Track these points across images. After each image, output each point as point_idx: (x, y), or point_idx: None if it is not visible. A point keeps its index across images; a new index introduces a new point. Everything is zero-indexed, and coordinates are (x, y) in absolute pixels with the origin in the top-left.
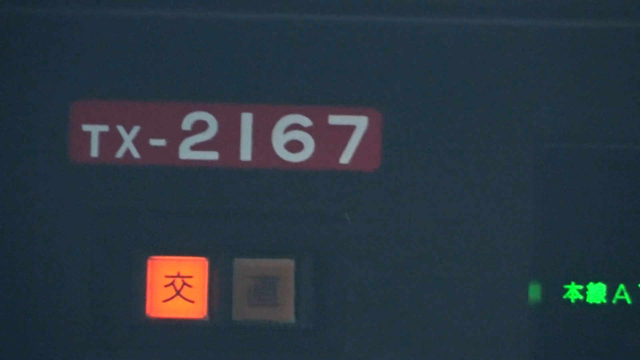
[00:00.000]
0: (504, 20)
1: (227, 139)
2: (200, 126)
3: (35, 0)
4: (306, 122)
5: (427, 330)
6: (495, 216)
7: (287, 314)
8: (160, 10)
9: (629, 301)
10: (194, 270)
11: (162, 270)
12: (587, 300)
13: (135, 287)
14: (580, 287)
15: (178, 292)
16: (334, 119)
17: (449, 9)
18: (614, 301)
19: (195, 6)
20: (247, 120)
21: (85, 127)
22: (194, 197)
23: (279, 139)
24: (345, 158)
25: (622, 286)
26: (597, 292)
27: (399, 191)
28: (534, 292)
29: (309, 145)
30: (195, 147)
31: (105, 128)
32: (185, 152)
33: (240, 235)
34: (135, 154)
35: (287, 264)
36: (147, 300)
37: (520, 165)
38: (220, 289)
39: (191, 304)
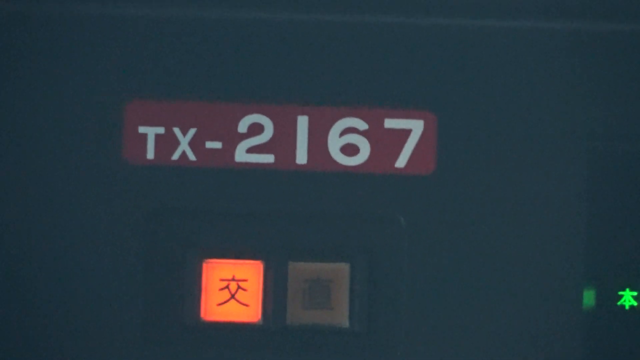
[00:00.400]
0: (557, 23)
1: (283, 142)
2: (257, 129)
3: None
4: (362, 125)
5: (481, 335)
6: (549, 220)
7: (341, 317)
8: (218, 10)
9: None
10: (249, 273)
11: (217, 273)
12: None
13: (189, 289)
14: (635, 293)
15: (233, 296)
16: (390, 123)
17: (502, 12)
18: None
19: (253, 7)
20: (303, 123)
21: (142, 129)
22: (250, 200)
23: (334, 142)
24: (401, 162)
25: None
26: None
27: (454, 194)
28: (588, 298)
29: (365, 148)
30: (251, 150)
31: (161, 130)
32: (241, 154)
33: (295, 239)
34: (191, 156)
35: (342, 268)
36: (202, 303)
37: (575, 167)
38: (274, 292)
39: (245, 307)
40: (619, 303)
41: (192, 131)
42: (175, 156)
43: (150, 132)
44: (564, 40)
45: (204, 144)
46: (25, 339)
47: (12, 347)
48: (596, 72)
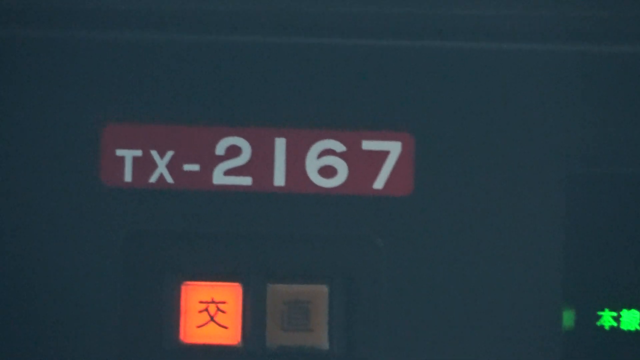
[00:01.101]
0: (536, 45)
1: (260, 164)
2: (234, 151)
3: (66, 23)
4: (340, 147)
5: (460, 356)
6: (527, 242)
7: (320, 339)
8: (193, 34)
9: None
10: (228, 295)
11: (196, 295)
12: (621, 327)
13: (168, 312)
14: (614, 313)
15: (212, 318)
16: (368, 144)
17: (481, 34)
18: None
19: (228, 30)
20: (280, 145)
21: (119, 152)
22: (228, 222)
23: (312, 164)
24: (379, 183)
25: None
26: (631, 319)
27: (432, 216)
28: (568, 318)
29: (343, 170)
30: (229, 172)
31: (138, 153)
32: (219, 177)
33: (273, 260)
34: (169, 178)
35: (321, 289)
36: (181, 325)
37: (552, 190)
38: (253, 314)
39: (225, 329)
40: (598, 323)
41: (169, 154)
42: (153, 179)
43: (128, 154)
44: (543, 62)
45: (182, 167)
46: None
47: None
48: (575, 94)
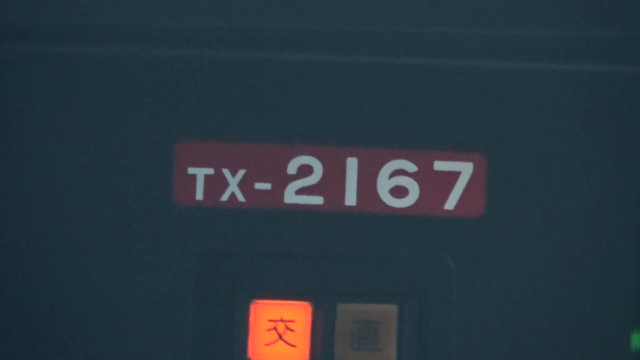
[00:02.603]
0: (609, 66)
1: (332, 184)
2: (306, 170)
3: (138, 41)
4: (411, 167)
5: None
6: (599, 263)
7: (390, 359)
8: (268, 52)
9: None
10: (297, 314)
11: (264, 314)
12: None
13: (237, 330)
14: None
15: (280, 337)
16: (440, 165)
17: (554, 54)
18: None
19: (303, 49)
20: (352, 165)
21: (191, 170)
22: (298, 241)
23: (384, 184)
24: (450, 203)
25: None
26: None
27: (504, 237)
28: (637, 340)
29: (414, 190)
30: (300, 191)
31: (210, 171)
32: (290, 196)
33: (343, 280)
34: (240, 197)
35: (391, 309)
36: (249, 343)
37: (625, 209)
38: (322, 333)
39: (293, 348)
40: None
41: (241, 172)
42: (225, 197)
43: (200, 173)
44: (615, 83)
45: (253, 185)
46: None
47: None
48: None
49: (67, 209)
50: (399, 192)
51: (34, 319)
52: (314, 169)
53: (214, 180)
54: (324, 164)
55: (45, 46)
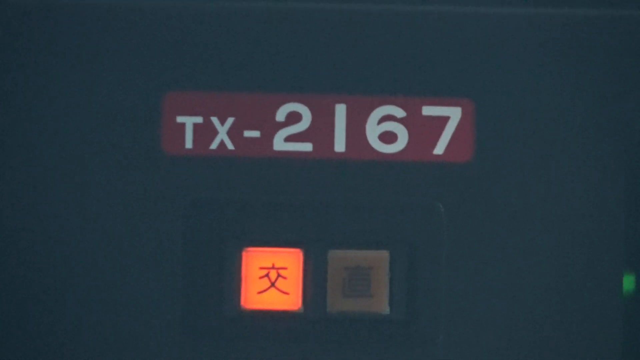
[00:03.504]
0: (598, 10)
1: (321, 131)
2: (295, 117)
3: None
4: (400, 113)
5: (520, 321)
6: (589, 205)
7: (381, 305)
8: (255, 1)
9: None
10: (289, 261)
11: (256, 261)
12: None
13: (229, 278)
14: None
15: (273, 284)
16: (428, 110)
17: (541, 0)
18: None
19: None
20: (341, 111)
21: (180, 119)
22: (288, 189)
23: (372, 130)
24: (439, 149)
25: None
26: None
27: (492, 181)
28: (628, 283)
29: (403, 136)
30: (290, 139)
31: (199, 119)
32: (280, 143)
33: (334, 227)
34: (230, 145)
35: (382, 255)
36: (242, 291)
37: (612, 158)
38: (314, 280)
39: (286, 295)
40: None
41: (230, 120)
42: (214, 145)
43: (189, 121)
44: (604, 28)
45: (242, 133)
46: (63, 331)
47: (47, 338)
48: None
49: (55, 159)
50: (388, 137)
51: (30, 268)
52: (303, 116)
53: (203, 128)
54: (312, 111)
55: None
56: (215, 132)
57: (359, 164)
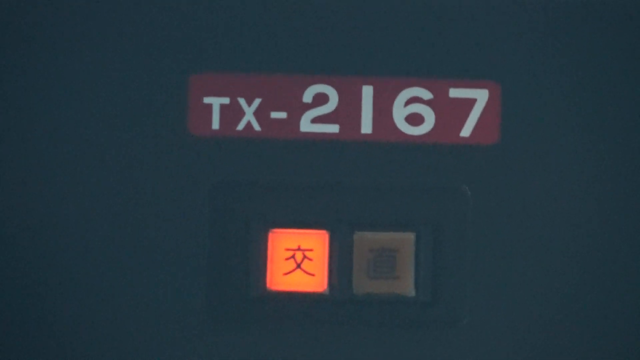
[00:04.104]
0: None
1: (348, 112)
2: (321, 99)
3: None
4: (427, 95)
5: (544, 304)
6: (614, 192)
7: (406, 287)
8: None
9: None
10: (315, 243)
11: (282, 243)
12: None
13: (255, 260)
14: None
15: (299, 265)
16: (455, 92)
17: None
18: None
19: None
20: (368, 93)
21: (207, 100)
22: (315, 170)
23: (399, 112)
24: (466, 131)
25: None
26: None
27: (519, 164)
28: None
29: (430, 118)
30: (316, 120)
31: (226, 100)
32: (306, 124)
33: (360, 209)
34: (256, 126)
35: (407, 237)
36: (268, 273)
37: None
38: (340, 262)
39: (312, 277)
40: None
41: (257, 101)
42: (240, 127)
43: (215, 102)
44: (632, 12)
45: (269, 114)
46: (90, 312)
47: (74, 321)
48: None
49: (82, 141)
50: (415, 120)
51: (55, 251)
52: (330, 98)
53: (230, 109)
54: (339, 93)
55: None
56: (242, 114)
57: (386, 146)
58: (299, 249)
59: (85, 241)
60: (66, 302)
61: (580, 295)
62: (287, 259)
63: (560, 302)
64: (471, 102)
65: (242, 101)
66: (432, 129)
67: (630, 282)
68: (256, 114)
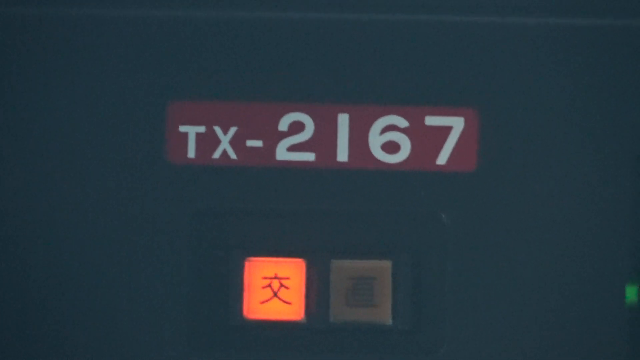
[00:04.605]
0: (601, 21)
1: (323, 140)
2: (297, 127)
3: (129, 1)
4: (403, 122)
5: (524, 331)
6: (593, 217)
7: (384, 315)
8: (257, 11)
9: None
10: (291, 271)
11: (259, 271)
12: None
13: (232, 288)
14: None
15: (275, 294)
16: (431, 120)
17: (543, 9)
18: None
19: (292, 7)
20: (344, 120)
21: (183, 128)
22: (291, 198)
23: (375, 140)
24: (442, 159)
25: None
26: None
27: (496, 191)
28: (631, 294)
29: (406, 146)
30: (292, 148)
31: (202, 129)
32: (282, 153)
33: (337, 236)
34: (232, 155)
35: (385, 265)
36: (245, 302)
37: (616, 166)
38: (317, 290)
39: (288, 305)
40: None
41: (233, 130)
42: (217, 155)
43: (192, 130)
44: (606, 37)
45: (245, 143)
46: (70, 339)
47: (54, 345)
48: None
49: (59, 168)
50: (391, 147)
51: (37, 279)
52: (306, 126)
53: (206, 138)
54: (315, 121)
55: (37, 8)
56: (218, 142)
57: (362, 174)
58: (275, 277)
59: (64, 267)
60: (46, 331)
61: (559, 323)
62: (263, 287)
63: (540, 330)
64: (447, 130)
65: (218, 129)
66: (408, 157)
67: (609, 312)
68: (232, 142)
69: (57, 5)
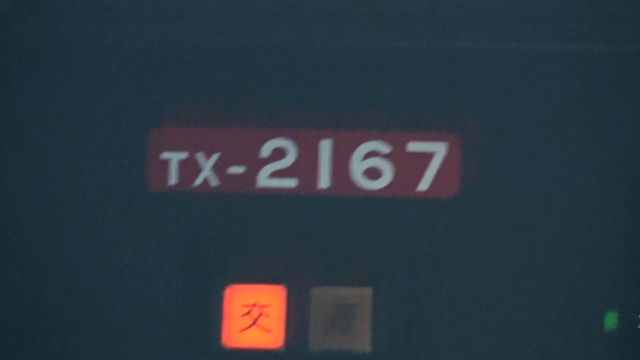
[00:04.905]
0: (583, 45)
1: (305, 166)
2: (279, 153)
3: (112, 28)
4: (385, 148)
5: (504, 356)
6: (573, 244)
7: (363, 342)
8: (239, 37)
9: None
10: (271, 299)
11: (239, 299)
12: None
13: (211, 316)
14: None
15: (255, 322)
16: (413, 146)
17: (523, 35)
18: None
19: (273, 33)
20: (325, 147)
21: (164, 155)
22: (272, 225)
23: (357, 166)
24: (424, 185)
25: None
26: None
27: (477, 218)
28: (611, 320)
29: (388, 172)
30: (274, 175)
31: (184, 155)
32: (264, 179)
33: (317, 263)
34: (214, 181)
35: (365, 292)
36: (224, 329)
37: (602, 195)
38: (297, 318)
39: (268, 333)
40: None
41: (214, 156)
42: (198, 181)
43: (174, 157)
44: (589, 62)
45: (227, 169)
46: None
47: None
48: (625, 95)
49: (40, 196)
50: (373, 173)
51: (27, 307)
52: (288, 152)
53: (188, 164)
54: (297, 147)
55: (17, 34)
56: (199, 169)
57: (343, 201)
58: (255, 305)
59: (44, 296)
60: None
61: (539, 350)
62: (243, 315)
63: (520, 354)
64: (429, 156)
65: (200, 156)
66: (390, 183)
67: (589, 333)
68: (214, 168)
69: (39, 31)
